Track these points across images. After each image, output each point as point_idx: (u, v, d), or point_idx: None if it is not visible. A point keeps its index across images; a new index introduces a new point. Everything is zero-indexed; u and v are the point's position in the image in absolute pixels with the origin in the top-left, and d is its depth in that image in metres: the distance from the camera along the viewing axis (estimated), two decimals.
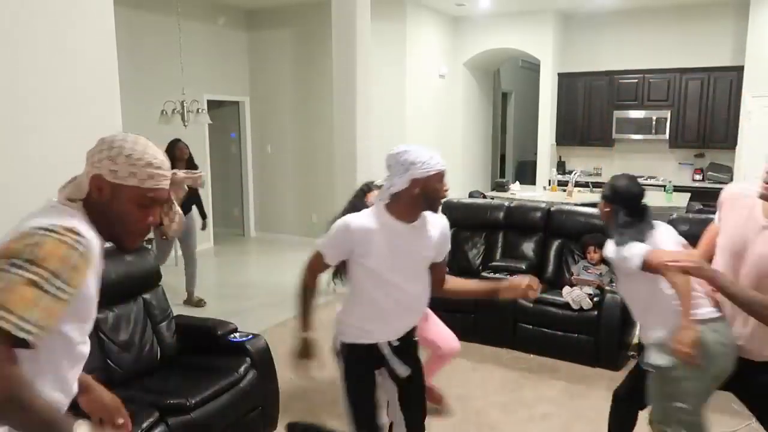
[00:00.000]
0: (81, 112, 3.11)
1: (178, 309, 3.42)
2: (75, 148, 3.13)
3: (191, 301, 5.66)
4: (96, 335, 2.88)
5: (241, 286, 6.47)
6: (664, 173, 8.43)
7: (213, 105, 8.11)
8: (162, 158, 1.42)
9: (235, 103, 8.54)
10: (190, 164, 5.75)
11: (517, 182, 8.01)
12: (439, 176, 2.10)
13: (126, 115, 3.60)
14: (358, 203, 3.09)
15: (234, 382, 2.94)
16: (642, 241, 2.34)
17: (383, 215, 2.18)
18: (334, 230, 2.21)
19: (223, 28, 8.11)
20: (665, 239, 2.43)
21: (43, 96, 2.95)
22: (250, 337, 3.22)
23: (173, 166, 5.60)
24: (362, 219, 2.19)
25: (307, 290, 2.39)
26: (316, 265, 2.33)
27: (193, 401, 2.69)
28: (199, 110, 6.64)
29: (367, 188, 3.28)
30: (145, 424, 2.46)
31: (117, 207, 1.38)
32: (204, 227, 6.10)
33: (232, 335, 3.23)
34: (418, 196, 2.10)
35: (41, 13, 2.92)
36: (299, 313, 2.38)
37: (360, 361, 2.33)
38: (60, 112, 3.02)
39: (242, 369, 3.02)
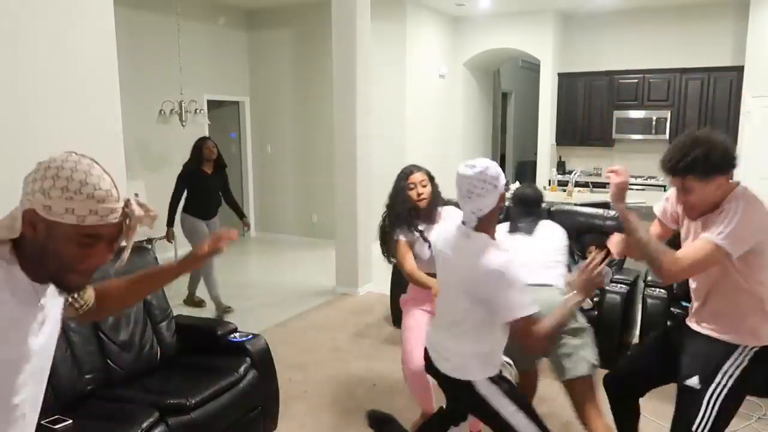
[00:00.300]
0: (81, 112, 3.11)
1: (178, 309, 3.42)
2: (75, 148, 3.13)
3: (192, 300, 5.58)
4: (96, 335, 2.88)
5: (241, 286, 6.47)
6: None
7: (213, 105, 8.11)
8: (107, 187, 1.17)
9: (235, 103, 8.54)
10: (219, 163, 5.39)
11: (517, 182, 8.00)
12: None
13: (125, 115, 3.59)
14: (400, 188, 3.09)
15: (234, 382, 2.94)
16: (517, 231, 3.08)
17: (491, 242, 2.06)
18: (517, 283, 1.97)
19: (223, 28, 8.11)
20: (548, 233, 3.08)
21: (43, 96, 2.95)
22: (250, 337, 3.22)
23: (201, 167, 5.20)
24: (509, 256, 2.03)
25: (550, 340, 2.07)
26: (533, 330, 1.98)
27: (193, 401, 2.69)
28: (197, 110, 6.64)
29: (409, 171, 3.18)
30: (145, 424, 2.46)
31: (53, 246, 1.16)
32: (247, 227, 5.73)
33: (232, 335, 3.22)
34: (497, 209, 2.09)
35: (41, 13, 2.92)
36: (559, 323, 2.08)
37: (509, 382, 2.22)
38: (60, 112, 3.02)
39: (242, 369, 3.02)
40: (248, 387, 3.01)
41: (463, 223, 2.11)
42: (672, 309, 3.91)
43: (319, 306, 5.61)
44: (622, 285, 4.14)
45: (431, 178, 3.17)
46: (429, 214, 3.11)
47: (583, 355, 2.68)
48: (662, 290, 4.00)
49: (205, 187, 5.29)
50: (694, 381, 2.11)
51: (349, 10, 5.60)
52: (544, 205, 5.07)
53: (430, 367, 2.30)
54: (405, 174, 3.11)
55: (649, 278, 4.17)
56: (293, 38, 8.23)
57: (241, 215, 5.62)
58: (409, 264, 2.99)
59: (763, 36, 7.18)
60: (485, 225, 2.07)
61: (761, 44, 7.20)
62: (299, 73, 8.24)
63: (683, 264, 2.01)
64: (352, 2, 5.58)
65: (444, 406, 2.58)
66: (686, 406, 2.15)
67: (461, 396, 2.21)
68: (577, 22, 8.83)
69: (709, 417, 2.08)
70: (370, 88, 5.94)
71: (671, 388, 3.83)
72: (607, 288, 4.16)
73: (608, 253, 4.71)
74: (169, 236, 5.27)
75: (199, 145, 5.28)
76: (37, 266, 1.19)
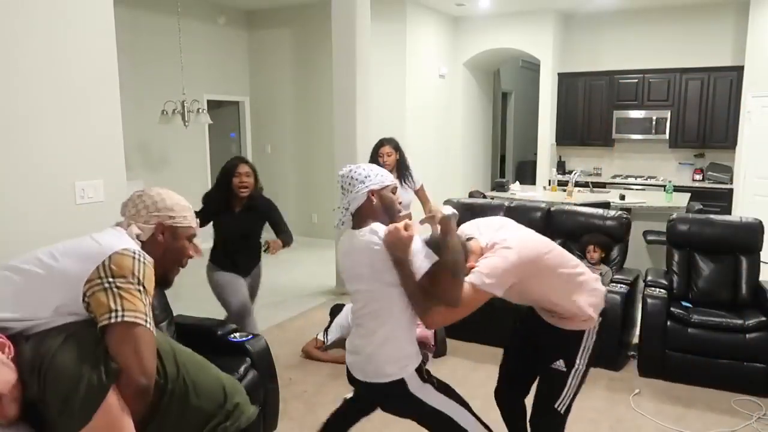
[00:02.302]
0: (81, 112, 3.11)
1: (178, 309, 3.42)
2: (75, 149, 3.13)
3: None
4: None
5: None
6: (664, 173, 8.43)
7: (213, 105, 8.11)
8: None
9: (235, 103, 8.54)
10: (252, 201, 3.96)
11: (517, 182, 8.01)
12: None
13: (125, 115, 3.59)
14: (373, 157, 4.58)
15: None
16: None
17: (372, 226, 2.17)
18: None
19: (224, 28, 8.11)
20: None
21: (42, 97, 2.94)
22: (250, 337, 3.22)
23: (228, 202, 3.88)
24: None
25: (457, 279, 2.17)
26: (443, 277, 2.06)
27: None
28: (199, 110, 6.63)
29: (380, 144, 4.60)
30: None
31: (174, 243, 1.75)
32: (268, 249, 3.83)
33: (232, 335, 3.22)
34: (369, 205, 2.17)
35: (40, 14, 2.91)
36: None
37: (436, 379, 2.25)
38: (60, 113, 3.01)
39: (242, 369, 3.02)
40: (248, 387, 3.00)
41: (342, 223, 2.20)
42: (672, 309, 3.90)
43: (319, 306, 5.61)
44: (622, 285, 4.15)
45: (396, 149, 4.58)
46: (397, 175, 4.55)
47: None
48: (662, 290, 4.00)
49: (232, 229, 3.87)
50: (560, 363, 2.35)
51: (349, 10, 5.60)
52: (543, 205, 5.10)
53: (354, 382, 2.25)
54: (376, 147, 4.57)
55: (649, 278, 4.17)
56: (293, 38, 8.23)
57: (286, 241, 4.05)
58: None
59: (763, 36, 7.18)
60: (361, 222, 2.13)
61: (761, 44, 7.20)
62: (299, 73, 8.24)
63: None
64: (352, 2, 5.57)
65: (349, 399, 2.60)
66: (551, 386, 2.38)
67: (394, 400, 2.16)
68: (577, 22, 8.83)
69: (570, 394, 2.36)
70: (370, 88, 5.94)
71: (672, 389, 3.84)
72: (607, 288, 4.16)
73: (608, 252, 4.69)
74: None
75: (228, 172, 3.78)
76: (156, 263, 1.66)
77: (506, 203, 5.20)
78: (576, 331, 2.34)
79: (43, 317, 1.50)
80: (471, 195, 6.61)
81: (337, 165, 5.94)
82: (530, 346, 2.55)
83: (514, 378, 2.67)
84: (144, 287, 1.54)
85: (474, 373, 4.04)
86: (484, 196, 6.82)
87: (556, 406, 2.36)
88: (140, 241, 1.68)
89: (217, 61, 8.00)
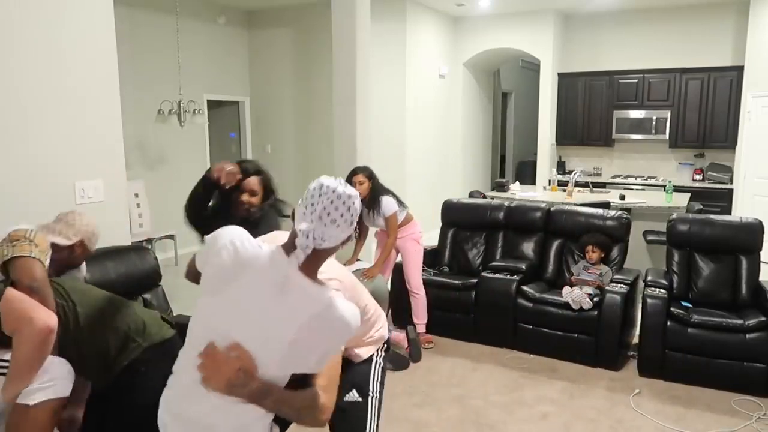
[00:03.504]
0: (81, 112, 3.11)
1: (177, 309, 3.42)
2: (75, 149, 3.13)
3: None
4: None
5: None
6: (664, 173, 8.44)
7: (213, 105, 8.11)
8: None
9: (235, 103, 8.54)
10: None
11: (517, 182, 8.00)
12: None
13: (125, 114, 3.60)
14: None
15: None
16: None
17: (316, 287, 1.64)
18: None
19: (224, 28, 8.11)
20: None
21: (43, 96, 2.94)
22: None
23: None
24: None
25: None
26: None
27: None
28: (196, 111, 6.64)
29: (353, 173, 4.14)
30: None
31: (81, 257, 2.44)
32: None
33: None
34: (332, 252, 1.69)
35: (39, 13, 2.91)
36: None
37: None
38: (60, 113, 3.02)
39: None
40: None
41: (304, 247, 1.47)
42: (672, 309, 3.90)
43: None
44: (622, 285, 4.15)
45: (369, 177, 4.14)
46: (368, 204, 4.16)
47: None
48: (662, 290, 4.00)
49: None
50: (353, 395, 2.16)
51: (349, 10, 5.60)
52: (543, 205, 5.10)
53: None
54: (350, 175, 4.11)
55: (650, 278, 4.18)
56: (293, 38, 8.23)
57: None
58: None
59: (763, 36, 7.19)
60: (310, 268, 1.51)
61: (761, 44, 7.20)
62: (299, 73, 8.24)
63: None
64: (352, 2, 5.57)
65: None
66: (352, 419, 2.15)
67: None
68: (577, 22, 8.83)
69: (375, 422, 2.18)
70: (370, 88, 5.94)
71: (672, 389, 3.84)
72: (607, 288, 4.16)
73: (607, 252, 4.69)
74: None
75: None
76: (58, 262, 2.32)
77: (506, 203, 5.20)
78: (364, 360, 2.17)
79: None
80: (471, 195, 6.61)
81: (337, 165, 5.94)
82: None
83: None
84: (33, 242, 2.08)
85: (474, 373, 4.03)
86: (484, 196, 6.82)
87: None
88: (58, 244, 2.28)
89: (217, 61, 8.00)
